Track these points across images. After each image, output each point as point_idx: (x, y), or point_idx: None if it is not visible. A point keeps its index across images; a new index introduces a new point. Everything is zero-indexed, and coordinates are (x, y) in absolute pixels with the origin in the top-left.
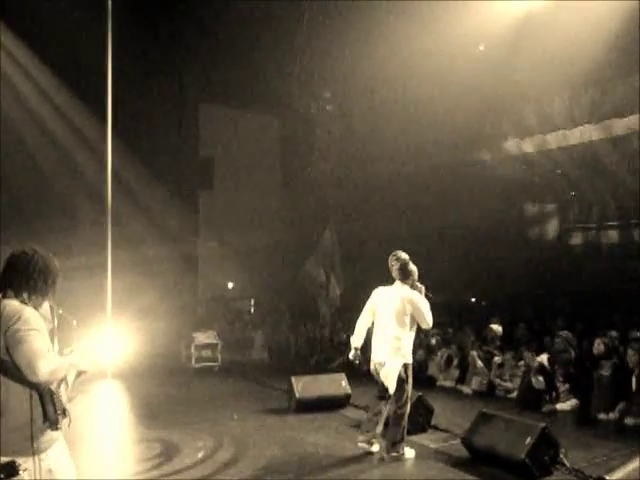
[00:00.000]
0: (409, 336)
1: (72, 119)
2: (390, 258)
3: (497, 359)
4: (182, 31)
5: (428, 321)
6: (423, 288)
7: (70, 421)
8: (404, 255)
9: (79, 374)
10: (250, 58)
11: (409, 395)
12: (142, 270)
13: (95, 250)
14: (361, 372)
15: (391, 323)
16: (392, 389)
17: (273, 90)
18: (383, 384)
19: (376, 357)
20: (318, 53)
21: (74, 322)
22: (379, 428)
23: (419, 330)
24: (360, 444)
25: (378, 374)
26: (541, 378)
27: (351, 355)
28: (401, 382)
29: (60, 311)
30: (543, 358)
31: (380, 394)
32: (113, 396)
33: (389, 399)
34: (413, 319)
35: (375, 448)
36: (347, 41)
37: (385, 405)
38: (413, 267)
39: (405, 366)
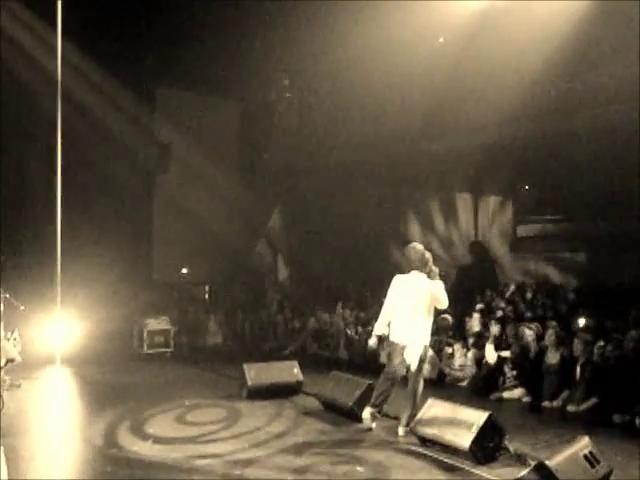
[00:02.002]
0: (429, 321)
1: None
2: (407, 249)
3: (448, 349)
4: (141, 13)
5: (445, 304)
6: (437, 269)
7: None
8: (420, 246)
9: (7, 362)
10: (209, 43)
11: (423, 373)
12: (94, 255)
13: (45, 233)
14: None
15: (413, 310)
16: (414, 367)
17: (233, 76)
18: (395, 364)
19: (397, 339)
20: (278, 40)
21: (21, 307)
22: (384, 406)
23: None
24: (365, 419)
25: (393, 355)
26: (495, 353)
27: (371, 342)
28: (420, 361)
29: (7, 295)
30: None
31: (388, 375)
32: (61, 382)
33: (409, 377)
34: (431, 306)
35: (374, 424)
36: (308, 30)
37: (392, 385)
38: (428, 255)
39: (425, 347)
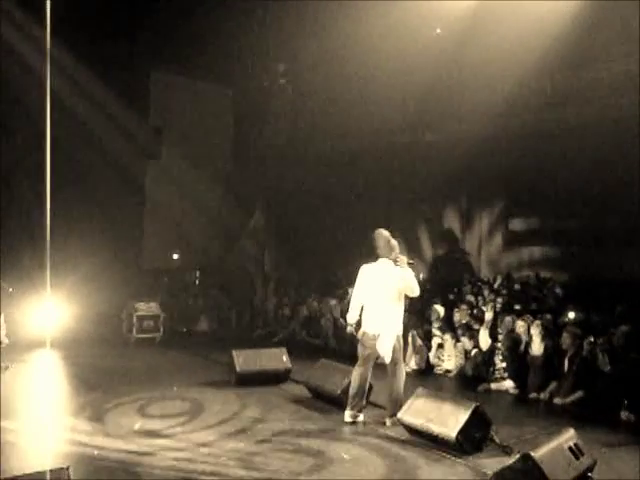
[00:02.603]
0: (400, 308)
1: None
2: (374, 235)
3: (437, 339)
4: None
5: (416, 291)
6: (405, 258)
7: None
8: (386, 232)
9: None
10: (205, 27)
11: (403, 360)
12: (84, 239)
13: (35, 216)
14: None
15: (383, 298)
16: (388, 358)
17: (227, 60)
18: (366, 355)
19: (369, 329)
20: (274, 25)
21: (10, 289)
22: (364, 402)
23: None
24: (347, 416)
25: (366, 346)
26: (489, 339)
27: (349, 330)
28: (395, 351)
29: None
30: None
31: (360, 370)
32: (50, 365)
33: (388, 368)
34: (402, 293)
35: (361, 417)
36: (303, 17)
37: (366, 380)
38: (394, 242)
39: (397, 337)
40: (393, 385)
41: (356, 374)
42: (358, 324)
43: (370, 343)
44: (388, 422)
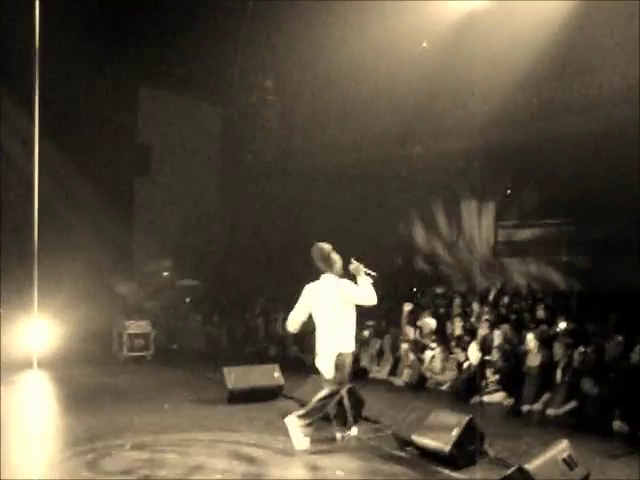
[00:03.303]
0: (344, 325)
1: None
2: (312, 250)
3: (429, 352)
4: (125, 12)
5: (368, 299)
6: (361, 267)
7: None
8: (326, 246)
9: None
10: (192, 44)
11: (344, 381)
12: (74, 257)
13: (23, 235)
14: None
15: (326, 316)
16: (327, 374)
17: (215, 77)
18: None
19: (317, 350)
20: (261, 43)
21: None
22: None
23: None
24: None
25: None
26: (479, 353)
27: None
28: (337, 369)
29: None
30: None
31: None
32: (38, 386)
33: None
34: (347, 307)
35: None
36: (290, 33)
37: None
38: (335, 256)
39: (340, 355)
40: (343, 401)
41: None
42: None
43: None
44: (341, 437)
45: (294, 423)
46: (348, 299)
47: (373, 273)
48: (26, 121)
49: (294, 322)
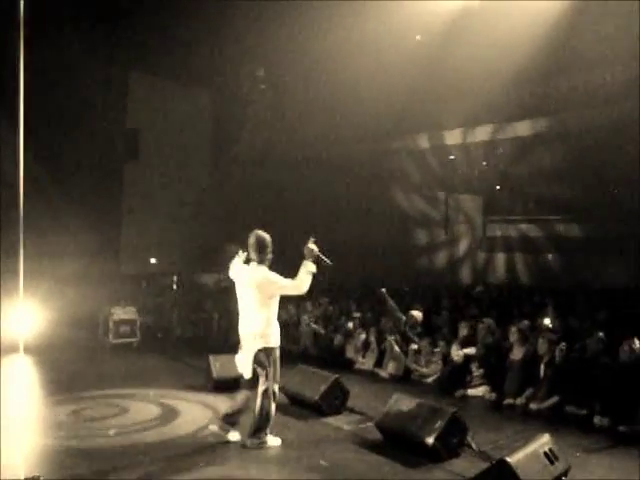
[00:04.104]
0: (267, 318)
1: None
2: (250, 237)
3: (414, 345)
4: None
5: (297, 289)
6: (316, 251)
7: None
8: (266, 236)
9: None
10: (185, 30)
11: (271, 381)
12: (60, 241)
13: (7, 219)
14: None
15: (247, 306)
16: (246, 374)
17: (206, 64)
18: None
19: (240, 337)
20: (254, 30)
21: None
22: (237, 416)
23: (342, 313)
24: (214, 429)
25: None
26: (461, 352)
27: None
28: (261, 367)
29: None
30: (464, 350)
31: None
32: (22, 371)
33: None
34: (270, 300)
35: (233, 437)
36: (284, 23)
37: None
38: (269, 245)
39: (265, 350)
40: (256, 404)
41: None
42: None
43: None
44: (248, 442)
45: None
46: (278, 291)
47: (329, 261)
48: (12, 101)
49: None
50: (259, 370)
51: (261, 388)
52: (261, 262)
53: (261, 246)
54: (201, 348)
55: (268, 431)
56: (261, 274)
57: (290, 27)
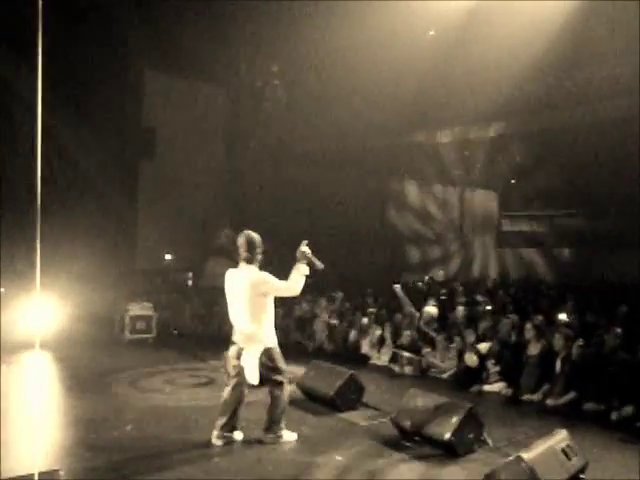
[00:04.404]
0: (262, 319)
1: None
2: (239, 237)
3: (427, 348)
4: None
5: (291, 290)
6: (309, 254)
7: None
8: (256, 236)
9: None
10: (198, 28)
11: (283, 375)
12: (77, 238)
13: (25, 215)
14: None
15: (241, 309)
16: (252, 380)
17: (220, 61)
18: (230, 370)
19: (236, 340)
20: (267, 27)
21: (1, 290)
22: (233, 420)
23: (357, 309)
24: (217, 443)
25: (230, 360)
26: (475, 357)
27: None
28: (267, 368)
29: None
30: (481, 346)
31: (231, 386)
32: (39, 367)
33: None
34: (264, 301)
35: (238, 436)
36: (297, 19)
37: (239, 398)
38: (260, 246)
39: (267, 351)
40: (271, 405)
41: (229, 390)
42: None
43: (234, 357)
44: (265, 438)
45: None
46: (272, 292)
47: (320, 265)
48: (31, 99)
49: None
50: (265, 371)
51: (274, 383)
52: (251, 262)
53: (251, 246)
54: (215, 344)
55: (283, 425)
56: (254, 273)
57: (303, 23)
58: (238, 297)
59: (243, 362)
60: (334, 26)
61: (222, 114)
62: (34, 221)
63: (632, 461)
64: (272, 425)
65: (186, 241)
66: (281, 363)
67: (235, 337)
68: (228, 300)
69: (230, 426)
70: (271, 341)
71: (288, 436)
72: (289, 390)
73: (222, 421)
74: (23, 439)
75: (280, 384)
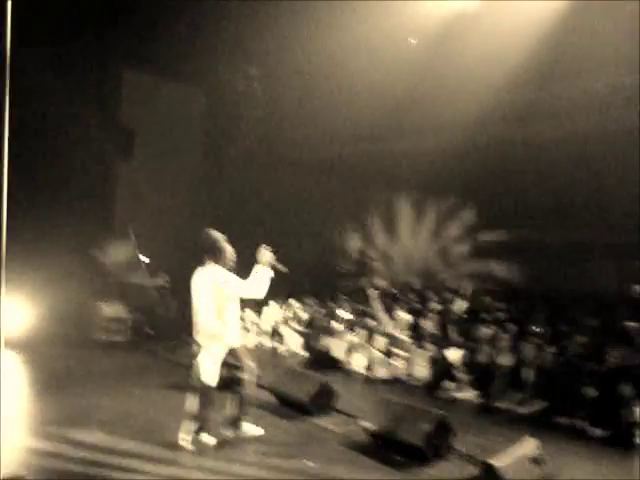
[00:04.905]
0: (226, 319)
1: None
2: (201, 237)
3: (400, 351)
4: None
5: (253, 293)
6: (270, 258)
7: None
8: (217, 234)
9: None
10: (178, 28)
11: (247, 372)
12: (48, 237)
13: None
14: None
15: (206, 309)
16: (212, 382)
17: (200, 63)
18: (198, 372)
19: (200, 341)
20: (247, 29)
21: None
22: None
23: (332, 315)
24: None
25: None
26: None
27: None
28: (230, 367)
29: None
30: (453, 354)
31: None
32: (5, 368)
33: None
34: (223, 301)
35: (209, 440)
36: (278, 22)
37: (208, 399)
38: (226, 247)
39: (232, 351)
40: (234, 402)
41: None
42: None
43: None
44: (228, 433)
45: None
46: (236, 293)
47: (284, 269)
48: None
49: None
50: (228, 370)
51: (239, 381)
52: (217, 262)
53: (216, 247)
54: (190, 346)
55: (246, 420)
56: (219, 273)
57: (283, 26)
58: (202, 297)
59: (200, 361)
60: (314, 33)
61: (202, 116)
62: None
63: (601, 470)
64: (236, 421)
65: (163, 243)
66: (247, 360)
67: (198, 337)
68: (193, 299)
69: (200, 428)
70: (234, 341)
71: (252, 430)
72: (254, 387)
73: (192, 424)
74: None
75: (243, 381)
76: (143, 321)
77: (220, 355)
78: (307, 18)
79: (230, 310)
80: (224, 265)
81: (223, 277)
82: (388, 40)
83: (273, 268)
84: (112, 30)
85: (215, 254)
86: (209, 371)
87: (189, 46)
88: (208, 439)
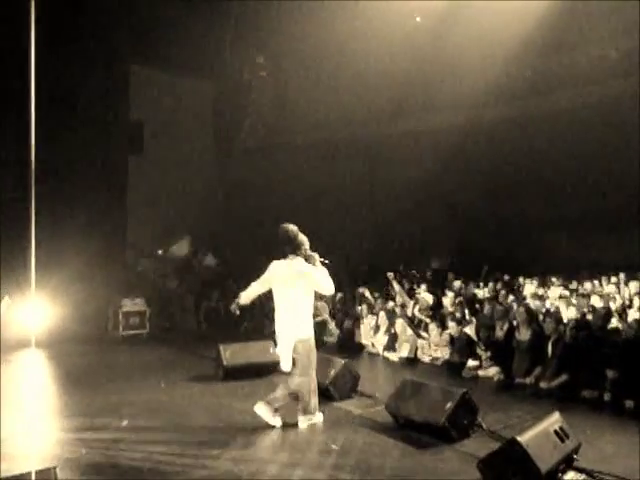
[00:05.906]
0: (304, 310)
1: None
2: (279, 232)
3: (422, 332)
4: None
5: (327, 289)
6: (316, 256)
7: None
8: (292, 227)
9: None
10: (183, 20)
11: (311, 368)
12: (68, 236)
13: (18, 215)
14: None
15: (287, 298)
16: (285, 366)
17: (207, 54)
18: (279, 357)
19: (279, 330)
20: (253, 18)
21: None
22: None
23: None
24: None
25: (279, 348)
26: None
27: (232, 306)
28: (300, 356)
29: None
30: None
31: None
32: (35, 365)
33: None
34: (308, 292)
35: (276, 422)
36: (283, 9)
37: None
38: (303, 238)
39: (302, 341)
40: (298, 393)
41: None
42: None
43: (281, 345)
44: (301, 421)
45: (263, 409)
46: (314, 286)
47: (326, 261)
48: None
49: (249, 295)
50: (300, 360)
51: (301, 376)
52: (299, 255)
53: (293, 239)
54: (209, 338)
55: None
56: (307, 268)
57: (288, 12)
58: (284, 287)
59: (278, 348)
60: (319, 16)
61: (210, 107)
62: (28, 220)
63: (624, 441)
64: (308, 410)
65: (177, 235)
66: (311, 354)
67: (278, 324)
68: (275, 289)
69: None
70: (307, 332)
71: (319, 416)
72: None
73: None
74: (19, 438)
75: (305, 373)
76: (160, 315)
77: (292, 343)
78: (311, 4)
79: (308, 302)
80: (303, 256)
81: (310, 270)
82: (395, 19)
83: (322, 264)
84: (119, 26)
85: (297, 246)
86: (285, 359)
87: (194, 38)
88: (277, 422)
